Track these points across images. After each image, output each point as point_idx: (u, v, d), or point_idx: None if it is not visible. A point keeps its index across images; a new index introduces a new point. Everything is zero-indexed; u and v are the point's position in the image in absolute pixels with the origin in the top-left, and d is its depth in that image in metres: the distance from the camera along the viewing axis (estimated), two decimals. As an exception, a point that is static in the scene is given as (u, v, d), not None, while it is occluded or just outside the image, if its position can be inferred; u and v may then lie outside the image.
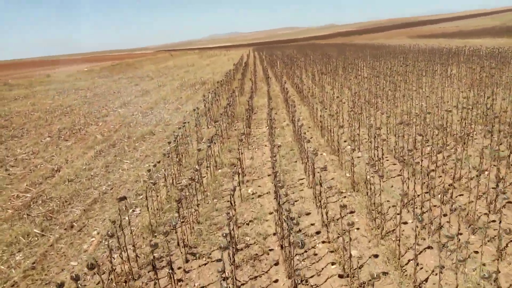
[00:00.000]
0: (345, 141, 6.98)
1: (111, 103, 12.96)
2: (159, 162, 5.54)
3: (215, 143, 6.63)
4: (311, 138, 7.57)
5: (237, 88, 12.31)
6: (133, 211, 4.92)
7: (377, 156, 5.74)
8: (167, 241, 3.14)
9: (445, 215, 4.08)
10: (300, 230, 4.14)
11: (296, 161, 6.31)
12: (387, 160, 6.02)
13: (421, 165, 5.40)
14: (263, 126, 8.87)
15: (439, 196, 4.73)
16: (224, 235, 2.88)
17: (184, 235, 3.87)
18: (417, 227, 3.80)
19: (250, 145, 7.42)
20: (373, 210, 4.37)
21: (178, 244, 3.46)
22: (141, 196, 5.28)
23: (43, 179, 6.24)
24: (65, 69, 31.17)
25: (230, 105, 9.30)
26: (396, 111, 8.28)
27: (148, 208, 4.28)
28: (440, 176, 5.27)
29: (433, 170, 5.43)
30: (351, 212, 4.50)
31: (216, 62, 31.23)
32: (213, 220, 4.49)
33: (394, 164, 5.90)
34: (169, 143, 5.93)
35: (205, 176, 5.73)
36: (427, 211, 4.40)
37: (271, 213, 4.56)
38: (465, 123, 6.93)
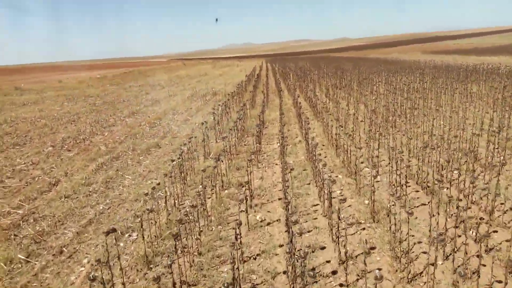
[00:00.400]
0: (362, 163, 6.47)
1: (119, 112, 12.69)
2: (158, 184, 5.11)
3: (222, 161, 6.19)
4: (325, 157, 7.09)
5: (248, 100, 11.92)
6: (129, 235, 4.49)
7: (399, 182, 5.23)
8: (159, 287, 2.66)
9: (478, 255, 3.56)
10: (313, 269, 3.65)
11: (309, 183, 5.83)
12: (409, 186, 5.50)
13: (448, 195, 4.90)
14: (274, 142, 8.42)
15: (471, 233, 4.20)
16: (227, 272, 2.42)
17: (182, 273, 3.40)
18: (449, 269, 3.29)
19: (260, 163, 6.96)
20: (396, 247, 3.87)
21: (174, 286, 3.00)
22: (139, 219, 4.84)
23: (38, 193, 5.87)
24: (77, 75, 31.30)
25: (240, 119, 8.89)
26: (416, 131, 7.75)
27: (143, 238, 3.83)
28: (470, 208, 4.72)
29: (460, 200, 4.91)
30: (372, 248, 3.98)
31: (229, 72, 31.06)
32: (216, 252, 4.02)
33: (417, 191, 5.38)
34: (173, 161, 5.51)
35: (210, 197, 5.28)
36: (457, 250, 3.88)
37: (281, 246, 4.08)
38: (494, 147, 6.40)
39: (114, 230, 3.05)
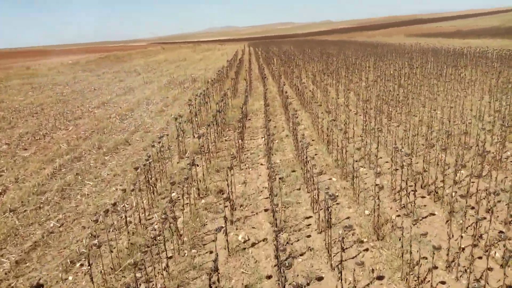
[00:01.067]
0: (356, 161, 5.71)
1: (88, 103, 11.57)
2: (124, 190, 4.24)
3: (197, 165, 5.35)
4: (316, 155, 6.33)
5: (229, 89, 11.00)
6: (81, 265, 3.63)
7: (402, 187, 4.52)
8: None
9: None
10: (310, 310, 2.91)
11: (299, 189, 5.06)
12: (413, 189, 4.79)
13: (458, 199, 4.23)
14: (259, 136, 7.61)
15: (494, 253, 3.52)
16: None
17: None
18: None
19: (243, 163, 6.14)
20: (408, 275, 3.16)
21: None
22: (96, 241, 3.97)
23: (-23, 207, 4.91)
24: (49, 61, 29.39)
25: (221, 111, 8.00)
26: (413, 122, 7.05)
27: (91, 277, 2.99)
28: (485, 218, 4.03)
29: (472, 208, 4.23)
30: (379, 278, 3.26)
31: (210, 57, 29.80)
32: (188, 287, 3.23)
33: (423, 197, 4.68)
34: (136, 169, 4.63)
35: (183, 209, 4.46)
36: (480, 278, 3.20)
37: (269, 277, 3.31)
38: (497, 139, 5.75)
39: (40, 286, 2.19)
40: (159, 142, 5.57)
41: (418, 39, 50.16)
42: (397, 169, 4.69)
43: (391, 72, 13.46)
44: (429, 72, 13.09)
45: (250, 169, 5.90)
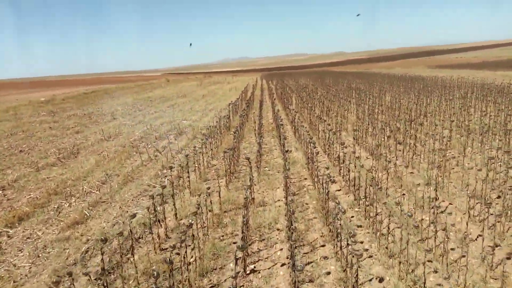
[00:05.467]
0: None
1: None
2: None
3: None
4: None
5: (227, 153, 6.22)
6: None
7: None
8: None
9: None
10: None
11: None
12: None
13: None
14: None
15: None
16: None
17: None
18: None
19: None
20: None
21: None
22: None
23: None
24: (18, 96, 25.45)
25: (203, 227, 3.21)
26: None
27: None
28: None
29: None
30: None
31: (216, 92, 25.46)
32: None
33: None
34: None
35: None
36: None
37: None
38: None
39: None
40: None
41: (442, 70, 45.48)
42: None
43: (462, 120, 8.55)
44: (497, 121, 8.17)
45: None
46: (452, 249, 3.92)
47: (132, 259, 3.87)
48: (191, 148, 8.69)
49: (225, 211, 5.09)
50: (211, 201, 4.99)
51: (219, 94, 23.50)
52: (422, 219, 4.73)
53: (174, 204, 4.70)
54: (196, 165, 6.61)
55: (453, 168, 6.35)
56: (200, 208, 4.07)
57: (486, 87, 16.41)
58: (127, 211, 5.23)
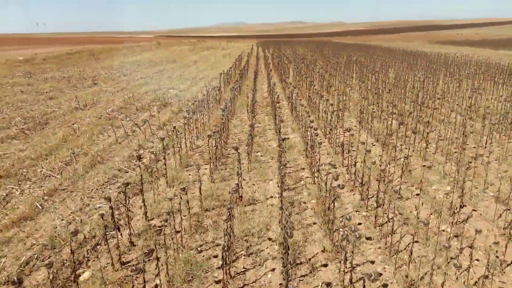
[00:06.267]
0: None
1: None
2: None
3: None
4: None
5: (213, 136, 5.30)
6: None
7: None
8: None
9: None
10: None
11: None
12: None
13: None
14: None
15: None
16: None
17: None
18: None
19: None
20: None
21: None
22: None
23: None
24: (5, 53, 23.71)
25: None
26: None
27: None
28: None
29: None
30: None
31: (208, 59, 24.04)
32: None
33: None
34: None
35: None
36: None
37: None
38: None
39: None
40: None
41: (444, 47, 44.18)
42: None
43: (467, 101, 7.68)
44: None
45: None
46: (485, 277, 3.14)
47: (83, 275, 3.03)
48: (175, 123, 7.73)
49: (206, 210, 4.22)
50: (189, 198, 4.12)
51: (211, 61, 22.14)
52: (442, 230, 3.95)
53: (143, 202, 3.82)
54: (177, 146, 5.68)
55: (470, 162, 5.52)
56: (174, 206, 3.20)
57: (493, 67, 15.47)
58: (89, 204, 4.34)
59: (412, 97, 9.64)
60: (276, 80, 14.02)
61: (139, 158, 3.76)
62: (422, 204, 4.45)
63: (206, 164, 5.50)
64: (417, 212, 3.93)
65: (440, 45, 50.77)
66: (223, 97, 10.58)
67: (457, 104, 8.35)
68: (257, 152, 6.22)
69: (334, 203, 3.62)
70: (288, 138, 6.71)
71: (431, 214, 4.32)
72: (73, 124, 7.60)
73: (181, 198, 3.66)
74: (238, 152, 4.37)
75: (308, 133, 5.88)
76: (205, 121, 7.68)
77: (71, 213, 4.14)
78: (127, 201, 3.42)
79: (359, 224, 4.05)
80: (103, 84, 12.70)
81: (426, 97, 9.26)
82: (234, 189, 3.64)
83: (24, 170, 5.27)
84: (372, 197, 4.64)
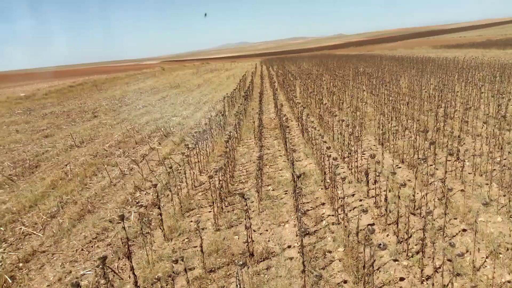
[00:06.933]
0: None
1: None
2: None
3: None
4: None
5: (218, 171, 4.59)
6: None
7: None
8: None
9: None
10: None
11: None
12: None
13: None
14: None
15: None
16: None
17: None
18: None
19: None
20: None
21: None
22: None
23: None
24: (8, 90, 23.61)
25: None
26: None
27: None
28: None
29: None
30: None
31: (212, 81, 23.61)
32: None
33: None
34: None
35: None
36: None
37: None
38: None
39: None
40: None
41: (449, 51, 43.46)
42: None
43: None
44: None
45: None
46: None
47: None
48: (176, 156, 7.05)
49: (211, 270, 3.46)
50: (190, 255, 3.37)
51: (215, 83, 21.68)
52: (507, 281, 3.12)
53: (132, 268, 3.07)
54: (178, 186, 4.97)
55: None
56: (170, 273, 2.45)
57: (509, 68, 14.64)
58: (71, 271, 3.61)
59: (433, 108, 8.85)
60: (283, 99, 13.36)
61: (122, 218, 3.03)
62: (474, 244, 3.63)
63: (210, 206, 4.77)
64: (471, 258, 3.12)
65: (444, 49, 50.00)
66: (228, 122, 9.93)
67: (487, 114, 7.52)
68: (268, 186, 5.46)
69: (373, 266, 2.82)
70: (300, 160, 5.96)
71: (486, 257, 3.50)
72: (66, 166, 6.96)
73: (182, 249, 2.91)
74: (245, 198, 3.61)
75: (325, 161, 5.13)
76: (208, 151, 6.99)
77: (48, 286, 3.41)
78: (108, 280, 2.69)
79: (401, 279, 3.24)
80: (103, 116, 12.17)
81: (448, 107, 8.46)
82: (242, 251, 2.89)
83: (1, 228, 4.59)
84: (410, 237, 3.85)
